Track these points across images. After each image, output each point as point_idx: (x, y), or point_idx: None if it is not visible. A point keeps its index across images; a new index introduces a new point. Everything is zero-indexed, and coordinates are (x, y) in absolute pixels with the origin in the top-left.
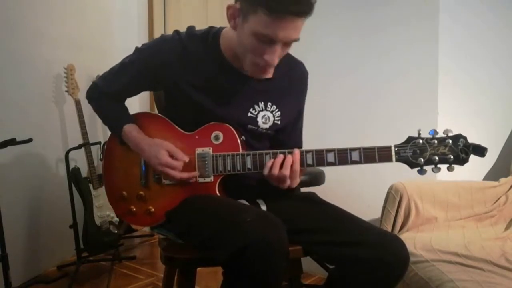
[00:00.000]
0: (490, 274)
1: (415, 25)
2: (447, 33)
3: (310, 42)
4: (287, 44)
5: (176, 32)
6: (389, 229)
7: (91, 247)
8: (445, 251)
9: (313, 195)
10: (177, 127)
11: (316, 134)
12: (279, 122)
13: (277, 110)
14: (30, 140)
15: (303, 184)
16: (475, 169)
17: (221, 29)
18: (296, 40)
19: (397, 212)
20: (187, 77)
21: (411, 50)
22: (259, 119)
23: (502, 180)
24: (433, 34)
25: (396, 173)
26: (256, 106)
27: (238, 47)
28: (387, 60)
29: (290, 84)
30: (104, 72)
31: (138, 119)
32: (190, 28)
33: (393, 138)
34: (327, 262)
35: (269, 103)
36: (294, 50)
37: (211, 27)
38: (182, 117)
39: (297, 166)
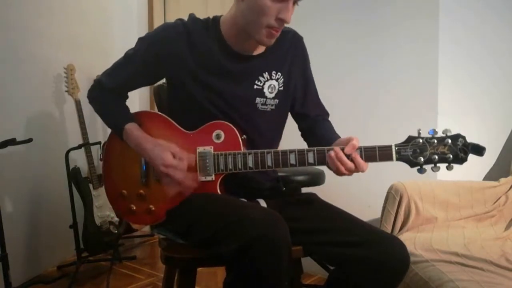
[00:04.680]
0: (490, 274)
1: (415, 25)
2: (447, 32)
3: (310, 44)
4: (295, 2)
5: (179, 19)
6: (389, 229)
7: (91, 247)
8: (445, 251)
9: (313, 196)
10: (177, 125)
11: None
12: (282, 88)
13: (281, 76)
14: (30, 140)
15: (303, 184)
16: (475, 169)
17: (218, 16)
18: None
19: (397, 212)
20: (193, 59)
21: (411, 50)
22: (265, 89)
23: (502, 180)
24: (433, 33)
25: (396, 173)
26: (261, 78)
27: (249, 16)
28: (387, 60)
29: (285, 50)
30: (107, 69)
31: (138, 118)
32: (192, 14)
33: (393, 138)
34: (327, 263)
35: (273, 72)
36: None
37: (209, 17)
38: (189, 104)
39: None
